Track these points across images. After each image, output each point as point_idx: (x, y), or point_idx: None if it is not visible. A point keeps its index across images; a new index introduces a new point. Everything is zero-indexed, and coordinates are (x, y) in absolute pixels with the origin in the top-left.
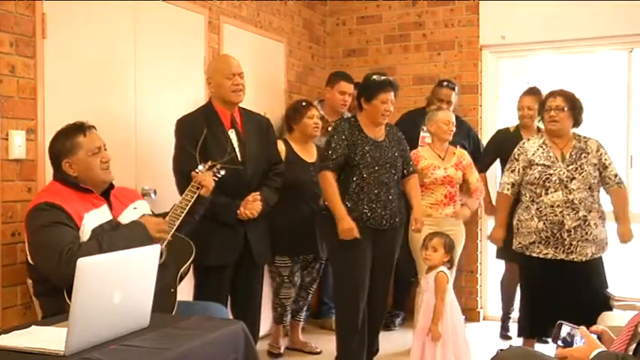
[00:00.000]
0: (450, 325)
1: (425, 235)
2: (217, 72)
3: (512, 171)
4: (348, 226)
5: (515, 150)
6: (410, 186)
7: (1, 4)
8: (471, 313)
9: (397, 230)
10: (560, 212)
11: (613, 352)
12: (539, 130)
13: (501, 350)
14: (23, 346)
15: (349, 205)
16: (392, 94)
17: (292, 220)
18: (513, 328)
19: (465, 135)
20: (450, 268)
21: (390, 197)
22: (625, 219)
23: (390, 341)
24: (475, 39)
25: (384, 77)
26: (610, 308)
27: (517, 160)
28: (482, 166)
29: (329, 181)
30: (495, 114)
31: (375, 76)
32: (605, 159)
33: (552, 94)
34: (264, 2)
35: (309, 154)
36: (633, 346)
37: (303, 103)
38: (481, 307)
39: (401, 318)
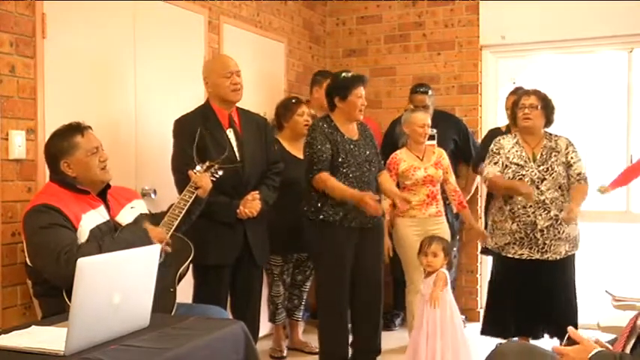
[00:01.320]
0: (449, 324)
1: (421, 241)
2: (214, 72)
3: (496, 163)
4: (372, 199)
5: (493, 145)
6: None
7: (1, 4)
8: (470, 313)
9: (381, 227)
10: (533, 213)
11: (611, 353)
12: None
13: (500, 344)
14: (23, 346)
15: (334, 206)
16: (363, 88)
17: (284, 218)
18: None
19: (456, 130)
20: (449, 269)
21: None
22: (577, 200)
23: (390, 341)
24: (475, 39)
25: (352, 73)
26: (575, 306)
27: (498, 153)
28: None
29: (327, 177)
30: (495, 114)
31: (344, 74)
32: (571, 157)
33: (527, 93)
34: (264, 2)
35: (300, 151)
36: (632, 341)
37: (293, 100)
38: (481, 307)
39: (401, 318)
